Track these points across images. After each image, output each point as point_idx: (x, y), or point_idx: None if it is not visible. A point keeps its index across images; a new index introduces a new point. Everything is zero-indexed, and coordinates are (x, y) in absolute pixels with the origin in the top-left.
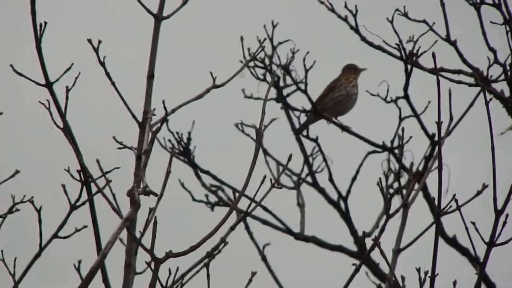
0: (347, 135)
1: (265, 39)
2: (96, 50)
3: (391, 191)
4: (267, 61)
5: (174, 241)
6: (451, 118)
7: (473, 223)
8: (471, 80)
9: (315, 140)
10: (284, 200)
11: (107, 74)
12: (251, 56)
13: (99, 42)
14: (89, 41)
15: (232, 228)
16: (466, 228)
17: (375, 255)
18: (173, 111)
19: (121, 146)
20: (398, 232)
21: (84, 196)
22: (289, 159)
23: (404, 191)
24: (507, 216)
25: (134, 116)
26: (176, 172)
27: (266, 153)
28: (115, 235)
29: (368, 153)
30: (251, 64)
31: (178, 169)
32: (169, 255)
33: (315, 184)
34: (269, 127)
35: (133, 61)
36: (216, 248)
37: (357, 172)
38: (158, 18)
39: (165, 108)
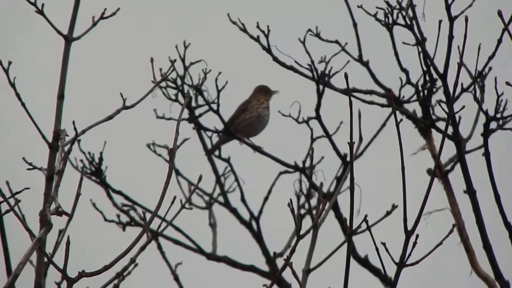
0: (259, 155)
1: (175, 60)
2: (6, 71)
3: (302, 211)
4: (179, 82)
5: (86, 261)
6: (360, 139)
7: (383, 244)
8: (383, 100)
9: (227, 160)
10: (196, 220)
11: (17, 95)
12: (162, 76)
13: (9, 63)
14: None
15: (142, 249)
16: (377, 249)
17: (288, 276)
18: (83, 132)
19: (31, 167)
20: (308, 253)
21: None
22: (200, 179)
23: (314, 212)
24: (417, 236)
25: (44, 137)
26: (88, 193)
27: (178, 173)
28: (27, 255)
29: (280, 173)
30: (163, 84)
31: (90, 189)
32: (82, 275)
33: (227, 204)
34: (181, 147)
35: (44, 82)
36: (126, 269)
37: (269, 192)
38: (68, 39)
39: (75, 129)
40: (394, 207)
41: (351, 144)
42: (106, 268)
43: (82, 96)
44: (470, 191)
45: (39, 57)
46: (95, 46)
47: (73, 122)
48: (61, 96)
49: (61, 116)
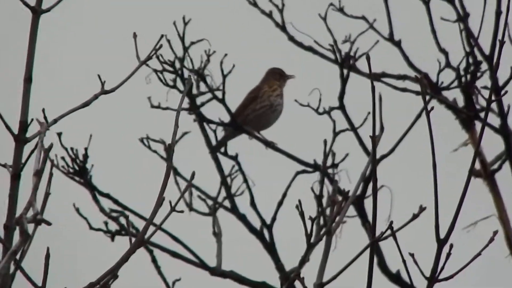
0: (273, 152)
1: (162, 35)
2: None
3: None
4: (177, 65)
5: (69, 275)
6: (382, 129)
7: (412, 255)
8: (418, 87)
9: (235, 158)
10: (198, 229)
11: None
12: (150, 54)
13: None
14: None
15: (125, 260)
16: (404, 261)
17: None
18: (55, 121)
19: None
20: (320, 264)
21: None
22: (193, 176)
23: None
24: (451, 246)
25: (8, 128)
26: (71, 196)
27: (176, 173)
28: (1, 270)
29: (296, 173)
30: (159, 68)
31: (73, 191)
32: None
33: (234, 210)
34: (180, 143)
35: (8, 63)
36: (102, 280)
37: (284, 195)
38: (37, 11)
39: (45, 117)
40: (422, 209)
41: (373, 137)
42: (92, 285)
43: (54, 80)
44: None
45: (2, 33)
46: (69, 21)
47: (43, 110)
48: (28, 79)
49: (29, 103)
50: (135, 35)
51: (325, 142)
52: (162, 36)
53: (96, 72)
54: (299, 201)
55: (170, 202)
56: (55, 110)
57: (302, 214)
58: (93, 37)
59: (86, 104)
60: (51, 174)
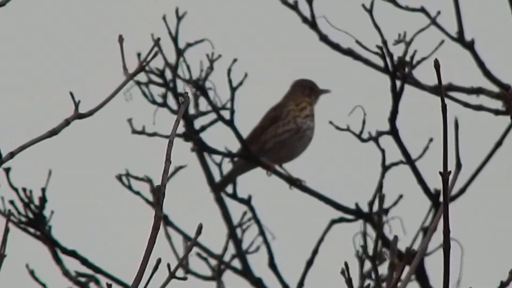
0: (299, 193)
1: (159, 39)
2: None
3: (369, 283)
4: (168, 75)
5: None
6: (458, 166)
7: None
8: (498, 104)
9: (247, 202)
10: None
11: None
12: (140, 65)
13: None
14: None
15: None
16: None
17: None
18: (12, 155)
19: None
20: None
21: None
22: (199, 231)
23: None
24: None
25: None
26: (24, 253)
27: (168, 222)
28: None
29: (331, 222)
30: (144, 79)
31: (26, 247)
32: None
33: (246, 272)
34: (172, 180)
35: None
36: None
37: (315, 252)
38: None
39: None
40: None
41: (445, 174)
42: None
43: (10, 98)
44: None
45: None
46: (30, 18)
47: None
48: None
49: None
50: (121, 39)
51: (380, 185)
52: (158, 40)
53: (65, 90)
54: (346, 264)
55: (169, 266)
56: (12, 140)
57: (349, 282)
58: (63, 39)
59: (54, 133)
60: (6, 230)
